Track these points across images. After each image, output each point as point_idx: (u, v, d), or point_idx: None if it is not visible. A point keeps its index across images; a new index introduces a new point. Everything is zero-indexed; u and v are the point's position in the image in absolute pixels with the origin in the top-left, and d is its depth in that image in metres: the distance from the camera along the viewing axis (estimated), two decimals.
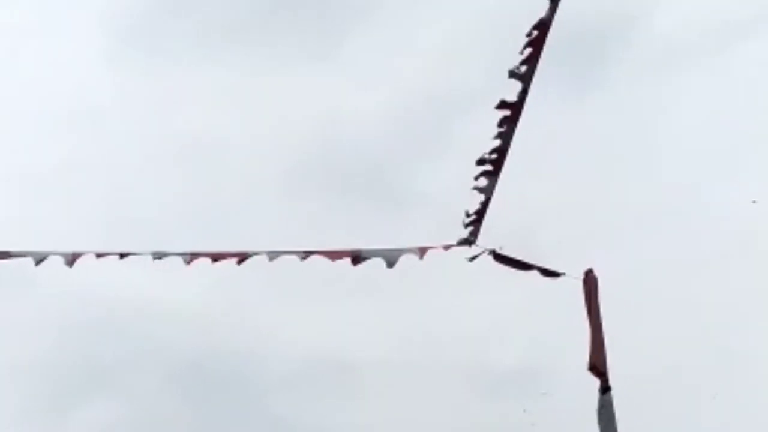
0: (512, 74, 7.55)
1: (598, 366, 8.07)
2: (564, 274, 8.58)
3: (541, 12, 7.17)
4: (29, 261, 8.31)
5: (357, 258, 8.67)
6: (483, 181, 8.35)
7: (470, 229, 8.70)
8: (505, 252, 8.78)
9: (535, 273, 8.77)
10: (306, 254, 8.67)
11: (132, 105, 25.28)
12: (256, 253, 8.60)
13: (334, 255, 8.69)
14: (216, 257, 8.57)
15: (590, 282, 8.34)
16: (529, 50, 7.40)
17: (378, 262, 8.72)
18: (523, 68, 7.51)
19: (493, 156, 8.14)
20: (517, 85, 7.62)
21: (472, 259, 8.76)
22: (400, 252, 8.73)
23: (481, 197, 8.47)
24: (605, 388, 8.01)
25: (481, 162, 8.20)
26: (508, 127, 7.91)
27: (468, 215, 8.57)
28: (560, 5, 7.10)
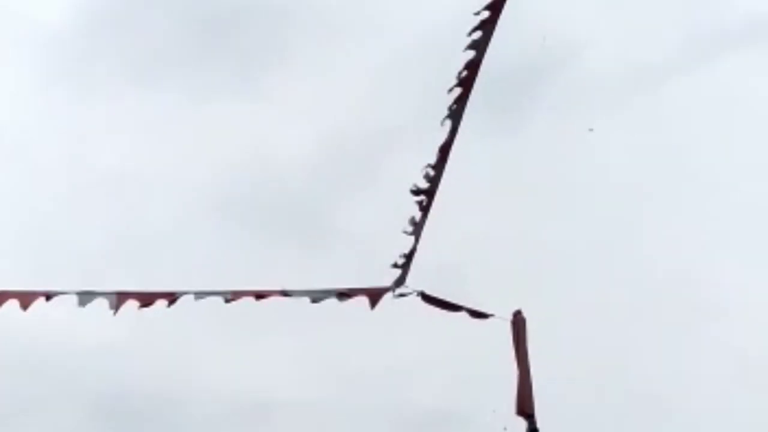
0: (443, 118, 7.50)
1: (525, 407, 8.05)
2: (492, 315, 8.53)
3: (471, 53, 7.11)
4: None
5: (288, 295, 8.60)
6: (411, 224, 8.28)
7: (399, 270, 8.63)
8: (434, 293, 8.71)
9: (463, 314, 8.72)
10: (233, 294, 8.58)
11: (57, 137, 25.02)
12: (185, 293, 8.48)
13: (260, 295, 8.61)
14: (144, 300, 8.43)
15: (518, 323, 8.31)
16: (459, 90, 7.33)
17: (303, 300, 8.67)
18: (453, 107, 7.44)
19: (422, 197, 8.09)
20: (446, 128, 7.58)
21: (400, 296, 8.68)
22: (326, 294, 8.68)
23: (411, 239, 8.40)
24: (532, 430, 8.00)
25: (415, 192, 8.08)
26: (437, 167, 7.87)
27: (401, 257, 8.49)
28: (490, 44, 7.03)
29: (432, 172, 7.90)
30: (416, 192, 8.13)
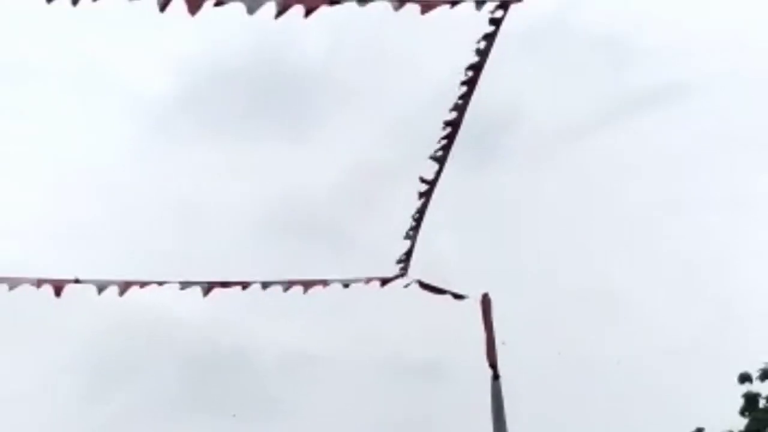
0: (432, 158, 7.80)
1: (491, 360, 8.44)
2: (467, 296, 8.94)
3: (454, 112, 7.32)
4: (92, 287, 8.52)
5: (326, 284, 9.09)
6: (410, 233, 8.75)
7: (401, 265, 9.15)
8: (427, 281, 9.23)
9: (447, 296, 9.17)
10: (289, 283, 9.04)
11: (151, 177, 25.80)
12: (255, 282, 8.95)
13: (307, 283, 9.06)
14: (225, 287, 8.88)
15: (486, 302, 8.71)
16: (444, 141, 7.60)
17: (336, 286, 9.17)
18: (439, 153, 7.73)
19: (417, 215, 8.50)
20: (435, 166, 7.87)
21: (406, 286, 9.20)
22: (353, 280, 9.20)
23: (408, 243, 8.90)
24: (495, 376, 8.41)
25: (413, 219, 8.55)
26: (426, 195, 8.24)
27: (403, 256, 9.00)
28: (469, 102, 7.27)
29: (424, 190, 8.20)
30: (414, 218, 8.55)
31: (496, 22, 6.51)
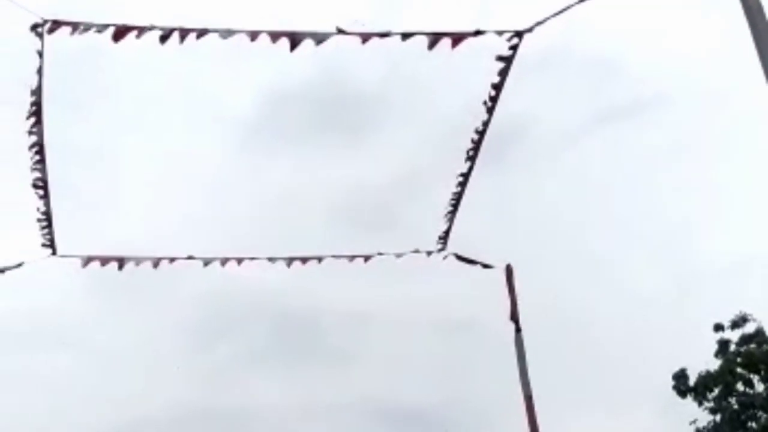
0: (466, 159, 7.78)
1: (514, 317, 8.39)
2: (494, 266, 8.86)
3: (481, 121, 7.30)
4: (199, 262, 8.57)
5: (381, 257, 9.01)
6: (447, 216, 8.67)
7: (441, 242, 9.03)
8: (462, 254, 9.09)
9: (478, 266, 9.07)
10: (350, 257, 9.00)
11: (239, 180, 26.13)
12: (326, 256, 8.90)
13: (367, 257, 9.01)
14: (303, 261, 8.85)
15: (509, 270, 8.67)
16: (474, 144, 7.59)
17: (390, 257, 9.09)
18: (471, 152, 7.71)
19: (453, 201, 8.45)
20: (467, 163, 7.85)
21: (445, 258, 9.05)
22: (403, 253, 9.13)
23: (446, 224, 8.78)
24: (518, 329, 8.33)
25: (449, 205, 8.49)
26: (461, 185, 8.20)
27: (442, 234, 8.89)
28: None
29: (459, 181, 8.17)
30: (451, 205, 8.51)
31: (513, 48, 6.49)
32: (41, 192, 7.51)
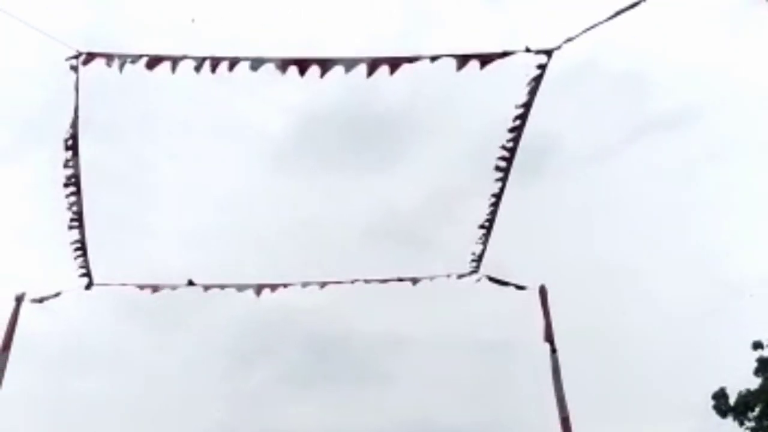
0: (497, 179, 7.69)
1: (549, 338, 8.22)
2: (528, 287, 8.71)
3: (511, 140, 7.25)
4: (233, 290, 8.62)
5: (414, 280, 8.97)
6: (482, 237, 8.55)
7: (474, 264, 8.90)
8: (495, 276, 8.98)
9: (511, 288, 8.94)
10: (385, 280, 8.94)
11: (272, 197, 26.21)
12: (359, 280, 8.82)
13: (400, 279, 8.93)
14: (337, 285, 8.78)
15: (543, 292, 8.51)
16: (504, 163, 7.52)
17: (426, 282, 9.02)
18: (501, 173, 7.64)
19: (487, 222, 8.34)
20: (498, 183, 7.75)
21: (478, 280, 8.96)
22: (436, 276, 9.04)
23: (481, 246, 8.68)
24: (553, 350, 8.17)
25: (482, 227, 8.38)
26: (493, 208, 8.09)
27: (476, 256, 8.79)
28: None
29: (489, 210, 8.09)
30: (483, 226, 8.39)
31: (542, 67, 6.44)
32: (76, 223, 7.60)
